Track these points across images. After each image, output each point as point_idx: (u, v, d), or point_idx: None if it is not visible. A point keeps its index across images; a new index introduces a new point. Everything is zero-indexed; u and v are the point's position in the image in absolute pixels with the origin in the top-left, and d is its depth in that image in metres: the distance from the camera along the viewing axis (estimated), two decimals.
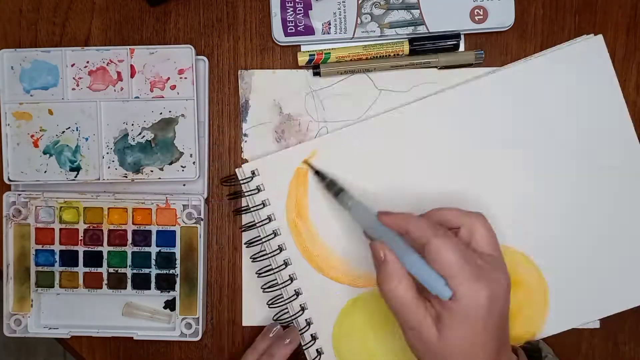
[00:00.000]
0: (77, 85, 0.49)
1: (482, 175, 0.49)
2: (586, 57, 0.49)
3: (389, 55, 0.49)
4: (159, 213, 0.49)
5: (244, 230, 0.50)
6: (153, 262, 0.49)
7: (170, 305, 0.50)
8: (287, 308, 0.49)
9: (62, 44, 0.50)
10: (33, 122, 0.49)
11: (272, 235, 0.49)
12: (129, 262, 0.49)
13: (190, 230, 0.49)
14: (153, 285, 0.49)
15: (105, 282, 0.50)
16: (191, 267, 0.49)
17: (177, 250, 0.49)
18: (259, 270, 0.49)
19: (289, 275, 0.49)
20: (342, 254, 0.49)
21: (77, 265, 0.50)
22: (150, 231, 0.49)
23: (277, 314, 0.49)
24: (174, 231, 0.49)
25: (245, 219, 0.50)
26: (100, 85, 0.49)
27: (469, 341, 0.37)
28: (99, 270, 0.50)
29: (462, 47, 0.49)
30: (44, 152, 0.49)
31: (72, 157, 0.49)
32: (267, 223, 0.49)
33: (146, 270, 0.49)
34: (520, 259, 0.49)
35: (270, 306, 0.49)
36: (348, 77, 0.50)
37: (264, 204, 0.49)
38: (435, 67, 0.49)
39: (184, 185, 0.50)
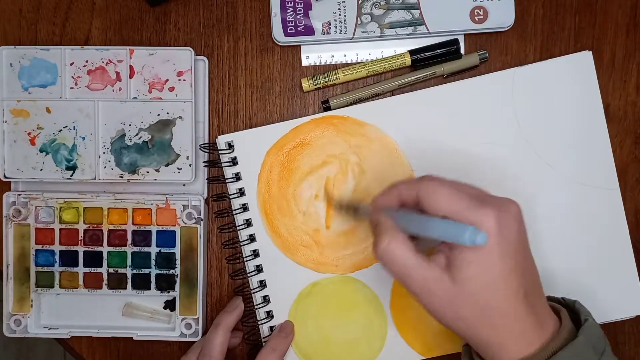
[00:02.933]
0: (76, 84, 0.49)
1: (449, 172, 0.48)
2: (573, 72, 0.48)
3: (393, 69, 0.49)
4: (159, 213, 0.49)
5: (215, 200, 0.50)
6: (153, 262, 0.49)
7: (170, 305, 0.50)
8: (247, 282, 0.49)
9: (62, 44, 0.50)
10: (30, 120, 0.49)
11: (241, 210, 0.49)
12: (129, 262, 0.49)
13: (190, 231, 0.49)
14: (153, 285, 0.49)
15: (105, 282, 0.50)
16: (191, 267, 0.49)
17: (177, 251, 0.49)
18: (226, 241, 0.50)
19: (252, 251, 0.49)
20: (309, 238, 0.49)
21: (77, 266, 0.50)
22: (150, 231, 0.49)
23: (238, 287, 0.50)
24: (174, 231, 0.49)
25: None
26: (98, 84, 0.49)
27: (487, 275, 0.34)
28: (99, 270, 0.50)
29: (462, 49, 0.49)
30: (41, 150, 0.49)
31: (68, 156, 0.49)
32: (237, 197, 0.49)
33: (146, 271, 0.49)
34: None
35: (232, 277, 0.50)
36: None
37: (236, 177, 0.49)
38: (442, 75, 0.49)
39: (184, 185, 0.50)
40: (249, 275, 0.49)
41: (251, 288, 0.49)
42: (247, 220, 0.49)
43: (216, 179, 0.50)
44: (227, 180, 0.49)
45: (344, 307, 0.49)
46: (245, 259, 0.49)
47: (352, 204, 0.47)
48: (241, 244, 0.49)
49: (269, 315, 0.49)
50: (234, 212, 0.49)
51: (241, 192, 0.49)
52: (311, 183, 0.49)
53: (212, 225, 0.51)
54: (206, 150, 0.49)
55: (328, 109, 0.49)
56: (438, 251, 0.36)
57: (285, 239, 0.49)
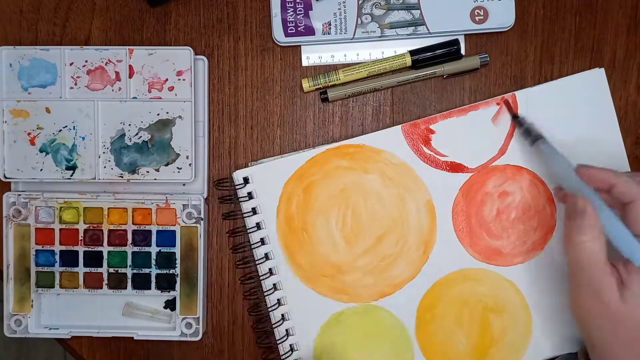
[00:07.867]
0: (75, 84, 0.49)
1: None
2: (586, 90, 0.48)
3: (393, 70, 0.49)
4: (159, 213, 0.49)
5: (232, 235, 0.50)
6: (153, 262, 0.49)
7: (170, 305, 0.50)
8: (268, 316, 0.49)
9: (63, 45, 0.50)
10: (30, 120, 0.49)
11: (259, 243, 0.48)
12: (129, 262, 0.49)
13: (190, 230, 0.49)
14: (153, 285, 0.49)
15: (105, 282, 0.50)
16: (191, 267, 0.49)
17: (177, 250, 0.49)
18: (243, 277, 0.49)
19: (273, 284, 0.48)
20: (331, 268, 0.49)
21: (77, 266, 0.50)
22: (150, 231, 0.49)
23: (257, 322, 0.49)
24: (174, 231, 0.49)
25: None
26: (98, 84, 0.49)
27: None
28: (99, 270, 0.50)
29: (462, 49, 0.49)
30: (41, 150, 0.49)
31: (68, 156, 0.49)
32: (255, 230, 0.49)
33: (146, 270, 0.49)
34: (505, 285, 0.49)
35: (251, 314, 0.49)
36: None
37: (254, 211, 0.49)
38: (442, 76, 0.49)
39: (184, 185, 0.50)
40: (270, 310, 0.48)
41: (272, 322, 0.48)
42: (267, 253, 0.49)
43: (232, 215, 0.49)
44: (244, 215, 0.48)
45: (369, 336, 0.48)
46: (265, 293, 0.48)
47: (532, 130, 0.45)
48: (261, 278, 0.48)
49: (292, 348, 0.49)
50: (252, 247, 0.49)
51: (258, 226, 0.49)
52: (330, 213, 0.49)
53: (212, 225, 0.51)
54: (221, 187, 0.49)
55: (326, 100, 0.49)
56: (617, 264, 0.38)
57: (307, 270, 0.48)
